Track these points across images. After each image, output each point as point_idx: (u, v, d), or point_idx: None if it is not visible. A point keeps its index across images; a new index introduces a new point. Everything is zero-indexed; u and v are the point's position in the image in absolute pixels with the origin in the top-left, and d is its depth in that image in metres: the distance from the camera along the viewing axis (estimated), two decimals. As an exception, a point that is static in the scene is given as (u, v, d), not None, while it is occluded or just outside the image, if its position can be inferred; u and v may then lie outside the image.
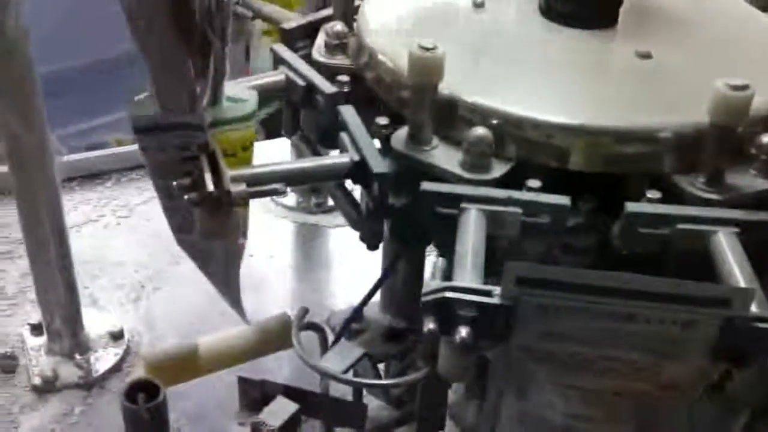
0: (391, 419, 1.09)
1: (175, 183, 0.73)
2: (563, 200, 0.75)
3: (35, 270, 1.40)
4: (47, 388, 1.39)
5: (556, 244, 0.78)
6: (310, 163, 0.83)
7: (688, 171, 0.79)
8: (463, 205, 0.74)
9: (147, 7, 0.71)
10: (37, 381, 1.40)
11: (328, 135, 0.92)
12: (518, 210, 0.74)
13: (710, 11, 1.00)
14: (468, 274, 0.66)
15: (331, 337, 1.07)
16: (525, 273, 0.62)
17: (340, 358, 0.93)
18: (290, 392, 0.90)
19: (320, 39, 0.98)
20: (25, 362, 1.43)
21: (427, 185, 0.76)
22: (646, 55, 0.89)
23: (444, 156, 0.80)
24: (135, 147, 1.90)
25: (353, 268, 1.69)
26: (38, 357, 1.43)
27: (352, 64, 0.94)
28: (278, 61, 0.96)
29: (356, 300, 1.57)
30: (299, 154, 1.06)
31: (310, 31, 1.01)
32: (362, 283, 1.58)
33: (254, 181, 0.75)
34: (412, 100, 0.81)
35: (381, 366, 1.10)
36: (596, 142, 0.79)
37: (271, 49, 0.98)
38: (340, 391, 1.07)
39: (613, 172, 0.80)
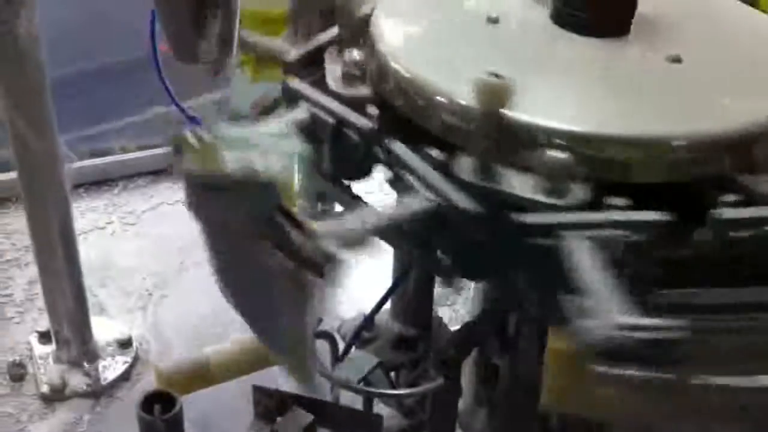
0: (402, 428, 1.08)
1: (269, 251, 0.65)
2: (663, 216, 0.73)
3: (44, 277, 1.40)
4: (56, 396, 1.39)
5: (652, 260, 0.76)
6: (393, 210, 0.79)
7: (753, 171, 0.78)
8: (561, 233, 0.72)
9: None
10: (45, 389, 1.39)
11: (355, 168, 0.88)
12: (621, 232, 0.72)
13: (720, 15, 1.00)
14: (616, 308, 0.64)
15: (341, 346, 1.07)
16: (675, 299, 0.61)
17: (354, 368, 0.92)
18: (305, 402, 0.89)
19: (336, 70, 0.93)
20: (34, 370, 1.43)
21: (523, 217, 0.73)
22: (677, 60, 0.88)
23: (518, 183, 0.77)
24: (142, 154, 1.92)
25: (360, 274, 1.69)
26: (46, 365, 1.43)
27: (376, 90, 0.90)
28: (295, 97, 0.92)
29: (363, 306, 1.57)
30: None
31: (313, 58, 0.97)
32: (369, 290, 1.59)
33: (344, 237, 0.69)
34: (481, 129, 0.77)
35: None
36: (665, 152, 0.78)
37: (285, 86, 0.93)
38: (348, 399, 1.06)
39: (684, 180, 0.79)
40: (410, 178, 0.77)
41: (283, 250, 0.65)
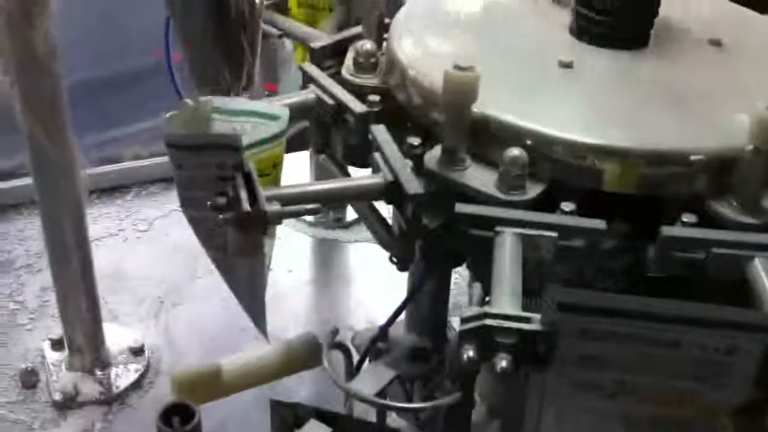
0: (416, 440, 1.08)
1: (209, 203, 0.73)
2: (599, 224, 0.74)
3: (57, 284, 1.40)
4: (68, 404, 1.39)
5: (590, 266, 0.77)
6: (343, 183, 0.83)
7: (723, 194, 0.78)
8: (498, 228, 0.74)
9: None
10: (57, 397, 1.39)
11: (356, 154, 0.92)
12: (554, 234, 0.73)
13: (744, 31, 1.00)
14: (506, 300, 0.66)
15: (356, 357, 1.06)
16: (566, 298, 0.61)
17: (371, 380, 0.92)
18: (323, 415, 0.89)
19: (350, 57, 0.97)
20: (46, 378, 1.43)
21: (461, 207, 0.75)
22: (681, 75, 0.88)
23: (478, 176, 0.80)
24: (155, 161, 1.92)
25: (372, 284, 1.69)
26: (59, 372, 1.43)
27: (383, 83, 0.93)
28: (307, 80, 0.96)
29: (374, 315, 1.57)
30: (322, 172, 1.06)
31: (339, 49, 1.01)
32: (381, 299, 1.58)
33: (288, 200, 0.75)
34: (446, 120, 0.80)
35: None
36: (630, 164, 0.79)
37: (300, 68, 0.98)
38: (360, 410, 1.06)
39: (647, 194, 0.79)
40: (377, 157, 0.80)
41: (231, 208, 0.72)
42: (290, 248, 1.77)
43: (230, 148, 0.74)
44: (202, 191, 0.78)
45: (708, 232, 0.75)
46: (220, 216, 0.72)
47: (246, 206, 0.71)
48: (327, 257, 1.82)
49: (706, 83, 0.89)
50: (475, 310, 0.64)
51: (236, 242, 0.74)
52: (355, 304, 1.69)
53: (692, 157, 0.78)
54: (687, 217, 0.77)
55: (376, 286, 1.67)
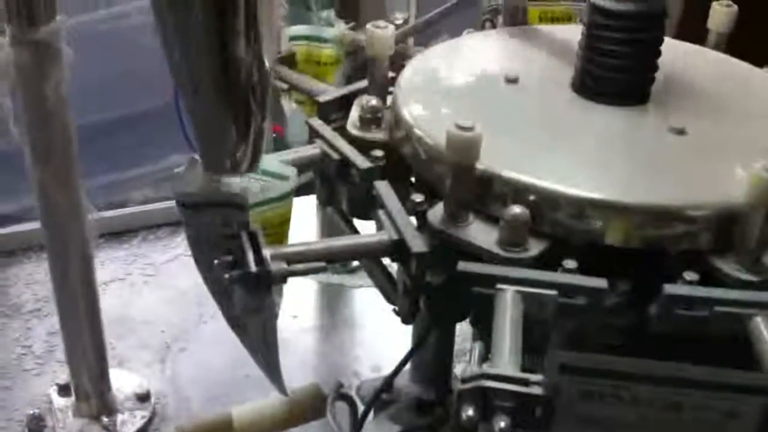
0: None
1: (216, 261, 0.74)
2: (600, 283, 0.75)
3: (65, 329, 1.41)
4: (74, 450, 1.39)
5: (591, 324, 0.78)
6: (347, 241, 0.84)
7: (725, 251, 0.79)
8: (499, 286, 0.74)
9: (193, 73, 0.72)
10: (63, 443, 1.40)
11: (361, 208, 0.93)
12: (554, 292, 0.74)
13: (743, 86, 1.01)
14: (505, 360, 0.66)
15: (360, 407, 1.07)
16: (568, 360, 0.62)
17: (375, 437, 0.92)
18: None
19: (355, 112, 0.99)
20: (53, 423, 1.43)
21: (463, 265, 0.76)
22: (681, 131, 0.89)
23: (480, 233, 0.81)
24: (162, 205, 1.94)
25: (377, 329, 1.69)
26: (66, 419, 1.43)
27: (387, 138, 0.95)
28: (313, 134, 0.98)
29: (380, 361, 1.57)
30: (330, 225, 1.07)
31: (344, 103, 1.02)
32: (386, 345, 1.58)
33: (294, 259, 0.76)
34: (449, 178, 0.81)
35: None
36: (632, 220, 0.80)
37: (306, 123, 0.99)
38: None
39: (649, 250, 0.80)
40: (381, 215, 0.81)
41: (236, 267, 0.73)
42: (295, 293, 1.77)
43: (236, 206, 0.75)
44: (209, 249, 0.79)
45: (710, 290, 0.76)
46: (226, 275, 0.73)
47: (251, 266, 0.72)
48: (332, 302, 1.82)
49: (708, 137, 0.90)
50: (474, 369, 0.64)
51: (243, 301, 0.75)
52: (360, 350, 1.68)
53: (696, 214, 0.79)
54: (689, 275, 0.77)
55: (381, 332, 1.67)
